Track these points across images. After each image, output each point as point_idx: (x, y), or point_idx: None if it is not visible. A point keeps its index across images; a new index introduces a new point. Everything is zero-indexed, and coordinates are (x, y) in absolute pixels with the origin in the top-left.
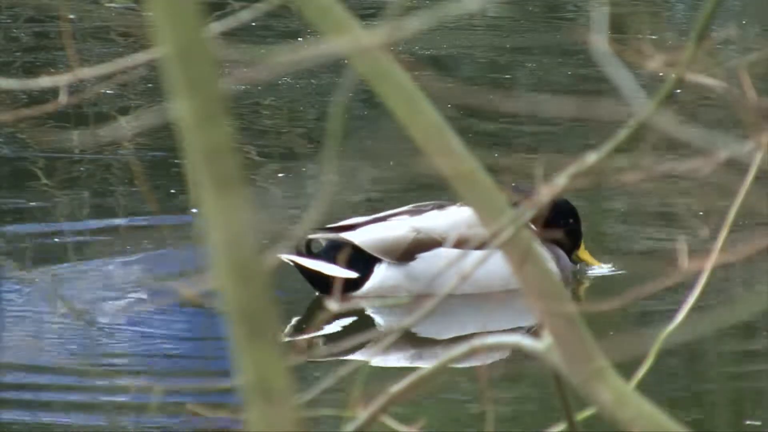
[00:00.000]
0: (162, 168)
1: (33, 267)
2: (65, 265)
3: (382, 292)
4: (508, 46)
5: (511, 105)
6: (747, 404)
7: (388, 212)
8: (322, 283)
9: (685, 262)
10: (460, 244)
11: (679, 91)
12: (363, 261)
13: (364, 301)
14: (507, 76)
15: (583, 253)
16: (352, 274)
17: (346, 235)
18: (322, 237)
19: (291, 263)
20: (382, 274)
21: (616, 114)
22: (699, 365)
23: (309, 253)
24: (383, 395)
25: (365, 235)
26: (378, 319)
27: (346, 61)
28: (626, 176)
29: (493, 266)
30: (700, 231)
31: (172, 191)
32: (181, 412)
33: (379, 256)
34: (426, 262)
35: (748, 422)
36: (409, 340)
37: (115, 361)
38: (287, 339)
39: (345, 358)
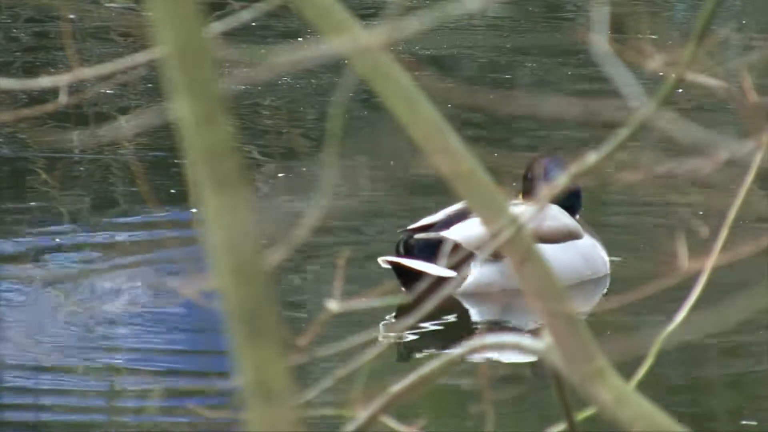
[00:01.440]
0: (162, 168)
1: (33, 267)
2: (65, 265)
3: (479, 289)
4: (508, 46)
5: (510, 105)
6: (744, 403)
7: (456, 208)
8: (416, 282)
9: (684, 262)
10: (541, 239)
11: (680, 90)
12: (454, 259)
13: (360, 302)
14: (507, 76)
15: None
16: (453, 273)
17: (448, 234)
18: (422, 237)
19: (389, 265)
20: (478, 271)
21: (616, 114)
22: (697, 365)
23: (407, 253)
24: (383, 395)
25: (464, 233)
26: (474, 313)
27: (346, 61)
28: (626, 175)
29: (566, 258)
30: (701, 230)
31: (172, 191)
32: (181, 412)
33: (478, 254)
34: None
35: (744, 422)
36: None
37: (115, 361)
38: (386, 337)
39: (345, 358)
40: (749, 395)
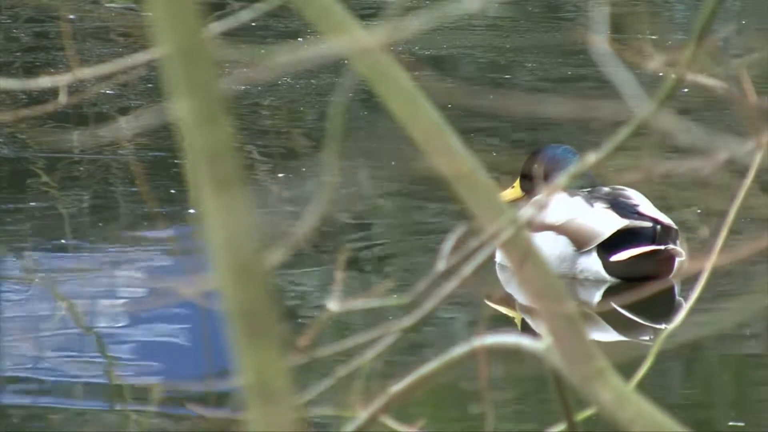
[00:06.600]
0: (162, 168)
1: (33, 267)
2: (65, 265)
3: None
4: (508, 46)
5: (510, 105)
6: (738, 402)
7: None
8: (639, 271)
9: (685, 262)
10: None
11: (686, 90)
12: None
13: (360, 302)
14: (507, 76)
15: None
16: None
17: (668, 221)
18: (640, 224)
19: (633, 256)
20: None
21: (616, 114)
22: (695, 365)
23: (635, 242)
24: (383, 395)
25: (667, 219)
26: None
27: (346, 61)
28: (626, 176)
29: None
30: (701, 231)
31: (172, 191)
32: (181, 412)
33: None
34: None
35: (731, 423)
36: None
37: (115, 360)
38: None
39: (345, 358)
40: (746, 394)
